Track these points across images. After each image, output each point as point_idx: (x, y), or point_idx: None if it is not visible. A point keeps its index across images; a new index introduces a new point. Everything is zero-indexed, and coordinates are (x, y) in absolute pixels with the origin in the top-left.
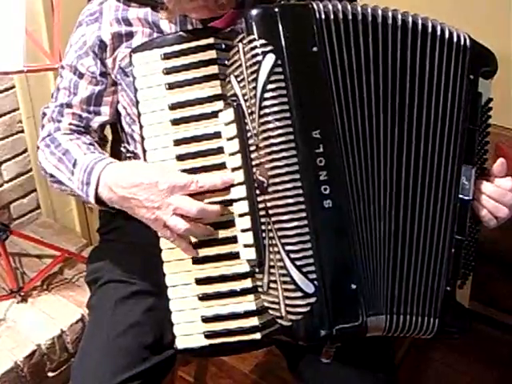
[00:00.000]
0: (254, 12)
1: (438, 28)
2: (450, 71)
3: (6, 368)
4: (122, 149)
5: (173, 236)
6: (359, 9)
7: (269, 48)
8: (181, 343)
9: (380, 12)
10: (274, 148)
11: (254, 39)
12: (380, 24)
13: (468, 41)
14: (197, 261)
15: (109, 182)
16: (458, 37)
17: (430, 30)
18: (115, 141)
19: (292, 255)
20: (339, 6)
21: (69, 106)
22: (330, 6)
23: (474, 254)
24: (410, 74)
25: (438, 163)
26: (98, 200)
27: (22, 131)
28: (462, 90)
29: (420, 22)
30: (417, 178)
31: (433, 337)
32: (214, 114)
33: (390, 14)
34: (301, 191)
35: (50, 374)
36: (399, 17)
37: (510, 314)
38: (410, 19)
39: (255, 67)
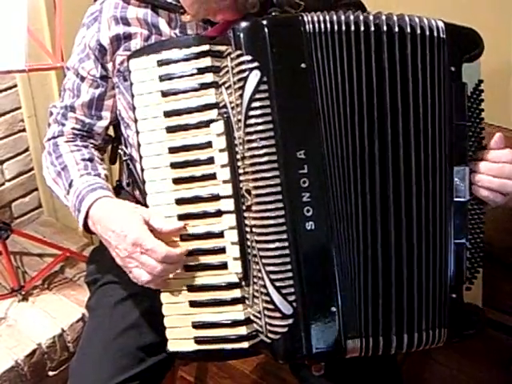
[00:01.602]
0: (243, 25)
1: (418, 27)
2: (434, 69)
3: (7, 367)
4: (120, 151)
5: (138, 282)
6: (352, 18)
7: (254, 64)
8: (172, 346)
9: (372, 18)
10: (258, 167)
11: (241, 54)
12: (373, 33)
13: (443, 31)
14: (188, 268)
15: (93, 217)
16: (438, 29)
17: (408, 29)
18: (116, 142)
19: (272, 276)
20: (334, 17)
21: (72, 109)
22: (322, 17)
23: (480, 253)
24: (400, 84)
25: (428, 171)
26: (86, 227)
27: (24, 130)
28: (445, 86)
29: (397, 23)
30: (409, 190)
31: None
32: (209, 123)
33: (383, 18)
34: (283, 212)
35: (51, 373)
36: (395, 18)
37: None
38: (395, 22)
39: (241, 83)
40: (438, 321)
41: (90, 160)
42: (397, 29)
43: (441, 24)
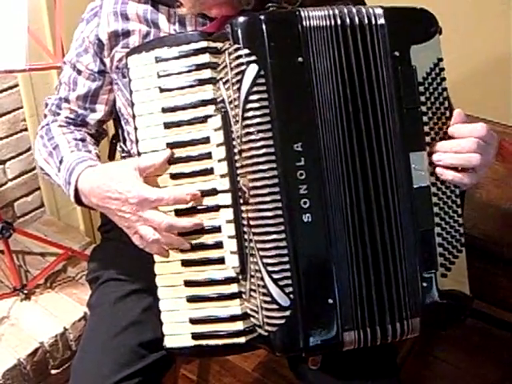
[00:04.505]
0: (241, 19)
1: (366, 17)
2: (376, 57)
3: (9, 365)
4: (119, 148)
5: (143, 243)
6: (354, 10)
7: (252, 58)
8: (168, 342)
9: (364, 10)
10: (255, 160)
11: (239, 48)
12: (367, 26)
13: (381, 18)
14: (185, 263)
15: (84, 190)
16: (375, 17)
17: (357, 22)
18: (115, 138)
19: (269, 268)
20: (330, 12)
21: (67, 100)
22: (318, 13)
23: (457, 238)
24: (366, 76)
25: (382, 159)
26: (78, 200)
27: (26, 129)
28: (389, 72)
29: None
30: (376, 181)
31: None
32: (206, 118)
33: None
34: (280, 204)
35: (53, 372)
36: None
37: None
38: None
39: (239, 77)
40: (410, 311)
41: (82, 140)
42: (348, 21)
43: (378, 11)
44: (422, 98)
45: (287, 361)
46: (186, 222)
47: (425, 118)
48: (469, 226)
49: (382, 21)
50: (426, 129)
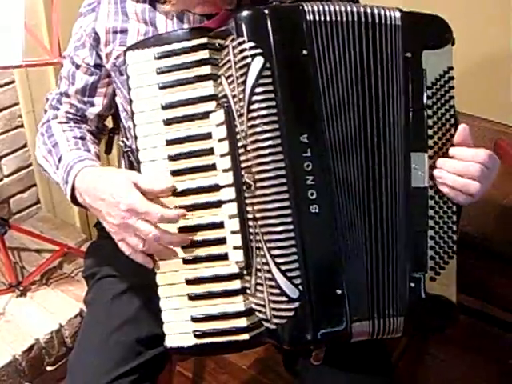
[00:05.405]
0: (245, 13)
1: (376, 16)
2: (389, 55)
3: (5, 362)
4: (120, 143)
5: (129, 251)
6: (355, 8)
7: (258, 51)
8: (170, 342)
9: (369, 10)
10: (261, 152)
11: (244, 41)
12: (377, 25)
13: (397, 19)
14: (187, 261)
15: (80, 189)
16: (391, 18)
17: (370, 19)
18: (112, 132)
19: (277, 260)
20: (333, 7)
21: (67, 95)
22: (322, 7)
23: (450, 243)
24: (374, 73)
25: (386, 156)
26: (74, 199)
27: (22, 126)
28: (399, 71)
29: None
30: (380, 176)
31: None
32: (207, 115)
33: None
34: (287, 196)
35: (48, 368)
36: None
37: (510, 311)
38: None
39: (244, 70)
40: (395, 308)
41: (82, 138)
42: (363, 18)
43: (395, 14)
44: (429, 102)
45: (282, 359)
46: (175, 237)
47: (429, 122)
48: (465, 223)
49: (397, 22)
50: (430, 132)
